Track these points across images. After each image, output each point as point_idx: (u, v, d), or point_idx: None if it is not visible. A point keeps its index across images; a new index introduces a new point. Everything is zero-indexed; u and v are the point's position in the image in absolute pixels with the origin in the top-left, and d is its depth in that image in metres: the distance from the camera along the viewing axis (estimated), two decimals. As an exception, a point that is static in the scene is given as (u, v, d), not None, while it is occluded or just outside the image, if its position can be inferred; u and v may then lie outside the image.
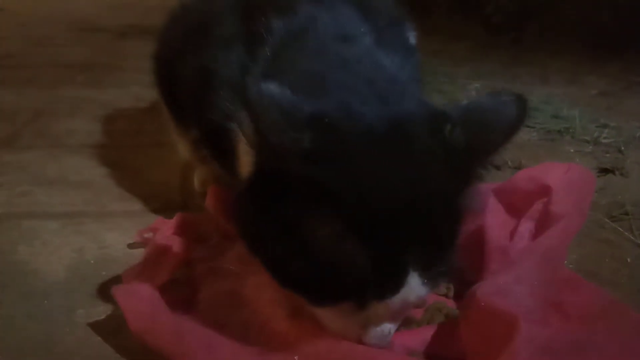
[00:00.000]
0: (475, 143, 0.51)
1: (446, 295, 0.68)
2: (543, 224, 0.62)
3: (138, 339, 0.55)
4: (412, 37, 0.86)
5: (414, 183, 0.48)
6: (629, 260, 0.77)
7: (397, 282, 0.48)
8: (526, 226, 0.64)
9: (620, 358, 0.46)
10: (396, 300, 0.49)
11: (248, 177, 0.55)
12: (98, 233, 0.82)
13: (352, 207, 0.47)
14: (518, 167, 1.02)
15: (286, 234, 0.50)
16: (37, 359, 0.58)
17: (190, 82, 0.76)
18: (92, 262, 0.75)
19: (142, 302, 0.56)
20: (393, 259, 0.48)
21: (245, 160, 0.66)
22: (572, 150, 1.09)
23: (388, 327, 0.53)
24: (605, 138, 1.14)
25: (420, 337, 0.58)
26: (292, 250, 0.50)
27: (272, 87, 0.48)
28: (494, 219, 0.65)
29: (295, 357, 0.53)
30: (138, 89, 1.63)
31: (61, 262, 0.74)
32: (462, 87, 1.59)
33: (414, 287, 0.49)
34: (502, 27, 2.70)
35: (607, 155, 1.07)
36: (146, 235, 0.79)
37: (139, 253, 0.76)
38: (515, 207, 0.67)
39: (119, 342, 0.59)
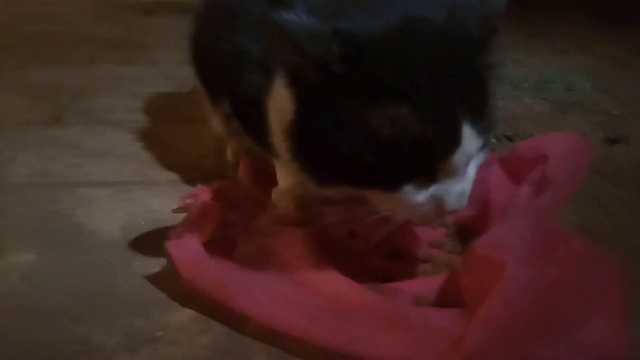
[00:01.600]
0: (480, 17, 0.61)
1: (454, 252, 0.77)
2: (539, 187, 0.70)
3: (187, 285, 0.65)
4: None
5: (444, 55, 0.58)
6: (622, 218, 0.84)
7: (456, 136, 0.57)
8: (525, 190, 0.72)
9: (595, 298, 0.54)
10: (460, 155, 0.57)
11: (293, 116, 0.63)
12: (145, 199, 0.92)
13: (396, 87, 0.56)
14: (530, 137, 1.09)
15: (352, 135, 0.58)
16: (102, 303, 0.68)
17: (225, 64, 0.84)
18: (142, 223, 0.85)
19: (190, 253, 0.66)
20: (448, 117, 0.56)
21: (276, 127, 0.75)
22: (582, 121, 1.15)
23: (461, 187, 0.60)
24: (614, 109, 1.19)
25: (428, 285, 0.67)
26: (362, 146, 0.57)
27: (290, 14, 0.56)
28: (497, 185, 0.73)
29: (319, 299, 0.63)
30: (167, 67, 1.73)
31: (116, 223, 0.85)
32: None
33: (470, 138, 0.57)
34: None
35: (615, 125, 1.12)
36: (188, 201, 0.89)
37: (183, 216, 0.86)
38: (516, 174, 0.75)
39: (171, 289, 0.69)
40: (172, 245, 0.68)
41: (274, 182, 0.90)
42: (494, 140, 1.11)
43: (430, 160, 0.58)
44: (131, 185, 0.97)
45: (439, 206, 0.60)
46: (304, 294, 0.64)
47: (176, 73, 1.64)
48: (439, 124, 0.56)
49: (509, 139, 1.11)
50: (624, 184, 0.92)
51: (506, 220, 0.64)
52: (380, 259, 0.76)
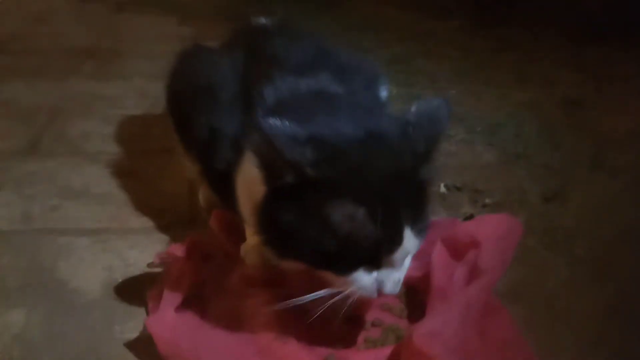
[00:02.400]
0: (427, 135, 0.73)
1: (400, 316, 0.88)
2: (473, 272, 0.82)
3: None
4: (384, 92, 1.02)
5: (395, 168, 0.70)
6: (550, 285, 0.96)
7: (399, 236, 0.69)
8: (461, 271, 0.84)
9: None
10: (401, 251, 0.70)
11: (263, 199, 0.73)
12: (122, 251, 1.00)
13: (356, 192, 0.67)
14: (476, 191, 1.20)
15: (314, 226, 0.68)
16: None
17: (201, 137, 0.92)
18: (120, 280, 0.93)
19: (167, 330, 0.75)
20: (393, 220, 0.68)
21: (244, 198, 0.84)
22: (523, 175, 1.27)
23: (398, 276, 0.73)
24: (554, 162, 1.31)
25: (376, 356, 0.78)
26: (320, 237, 0.68)
27: (275, 121, 0.66)
28: (439, 262, 0.84)
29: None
30: (141, 82, 1.77)
31: (96, 279, 0.92)
32: (441, 92, 1.74)
33: (410, 238, 0.70)
34: (490, 6, 2.82)
35: (553, 181, 1.24)
36: (163, 257, 0.96)
37: (158, 272, 0.95)
38: (455, 252, 0.87)
39: (148, 356, 0.77)
40: (151, 323, 0.76)
41: (243, 235, 0.99)
42: (445, 190, 1.22)
43: (377, 254, 0.70)
44: (108, 233, 1.04)
45: (379, 288, 0.72)
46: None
47: (149, 90, 1.69)
48: (386, 226, 0.68)
49: (458, 189, 1.22)
50: (554, 246, 1.04)
51: (442, 309, 0.75)
52: (336, 322, 0.86)
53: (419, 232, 0.71)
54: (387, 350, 0.78)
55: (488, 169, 1.29)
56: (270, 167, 0.70)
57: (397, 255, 0.70)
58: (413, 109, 0.76)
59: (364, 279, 0.71)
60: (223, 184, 0.89)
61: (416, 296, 0.90)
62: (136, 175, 1.24)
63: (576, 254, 1.02)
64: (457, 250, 0.86)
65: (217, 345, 0.76)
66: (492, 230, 0.86)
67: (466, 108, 1.62)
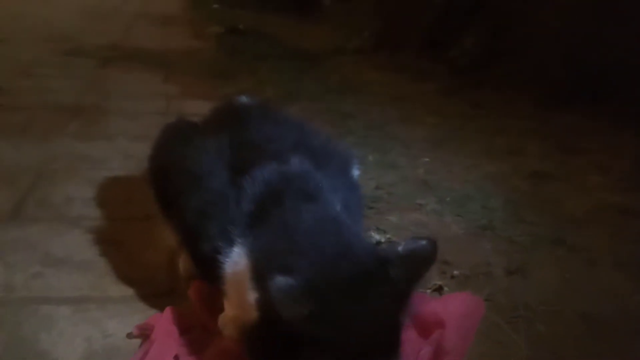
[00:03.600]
0: (409, 276, 0.77)
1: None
2: (437, 352, 0.87)
3: None
4: (356, 171, 1.10)
5: (375, 317, 0.74)
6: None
7: None
8: (426, 349, 0.89)
9: None
10: None
11: (254, 326, 0.78)
12: (101, 321, 1.02)
13: (337, 347, 0.71)
14: (445, 262, 1.27)
15: None
16: None
17: (188, 218, 0.96)
18: (99, 352, 0.95)
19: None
20: None
21: (232, 285, 0.89)
22: (489, 248, 1.34)
23: None
24: (518, 236, 1.39)
25: None
26: None
27: (282, 280, 0.70)
28: (407, 339, 0.89)
29: None
30: (125, 143, 1.82)
31: (76, 351, 0.94)
32: (414, 160, 1.83)
33: None
34: (465, 70, 2.97)
35: (516, 255, 1.32)
36: (142, 329, 1.00)
37: (136, 343, 0.98)
38: (422, 330, 0.92)
39: None
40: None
41: (222, 306, 1.02)
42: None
43: None
44: (88, 302, 1.07)
45: None
46: None
47: (132, 151, 1.74)
48: None
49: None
50: (517, 322, 1.10)
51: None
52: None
53: None
54: None
55: (456, 241, 1.36)
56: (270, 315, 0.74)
57: None
58: (399, 248, 0.80)
59: None
60: (207, 265, 0.93)
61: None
62: (117, 243, 1.27)
63: (537, 331, 1.08)
64: (423, 328, 0.91)
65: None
66: (455, 309, 0.92)
67: (438, 177, 1.71)
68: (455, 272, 1.24)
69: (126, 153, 1.75)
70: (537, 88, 2.60)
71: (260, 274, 0.77)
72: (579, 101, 2.42)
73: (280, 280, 0.70)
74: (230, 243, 0.88)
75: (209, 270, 0.94)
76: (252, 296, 0.79)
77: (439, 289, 1.18)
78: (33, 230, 1.28)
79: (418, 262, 0.77)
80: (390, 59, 3.30)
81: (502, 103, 2.57)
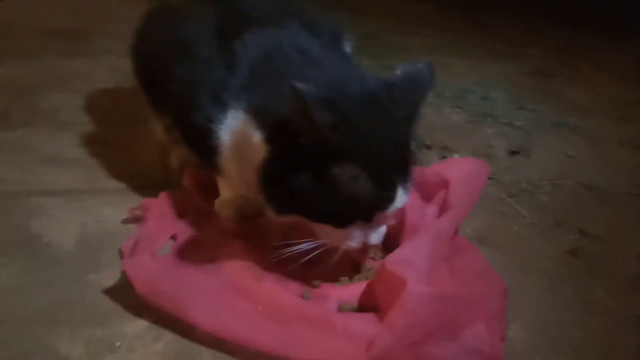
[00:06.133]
0: (411, 98, 0.76)
1: (373, 258, 0.90)
2: (442, 209, 0.84)
3: (143, 299, 0.75)
4: (348, 47, 1.04)
5: (388, 133, 0.73)
6: (515, 228, 1.00)
7: (392, 196, 0.74)
8: (431, 210, 0.87)
9: (478, 307, 0.69)
10: (392, 209, 0.75)
11: (266, 159, 0.76)
12: (95, 209, 1.00)
13: (361, 156, 0.71)
14: (444, 148, 1.24)
15: (319, 185, 0.72)
16: (65, 315, 0.76)
17: (176, 90, 0.92)
18: (94, 234, 0.93)
19: (143, 271, 0.76)
20: (389, 182, 0.73)
21: (231, 155, 0.86)
22: (490, 133, 1.31)
23: (383, 228, 0.78)
24: (519, 121, 1.35)
25: (350, 292, 0.80)
26: (325, 195, 0.72)
27: (305, 85, 0.67)
28: (411, 204, 0.87)
29: (259, 307, 0.75)
30: (111, 59, 1.75)
31: (69, 234, 0.92)
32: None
33: (400, 197, 0.75)
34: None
35: (518, 137, 1.29)
36: (136, 212, 0.97)
37: (131, 227, 0.95)
38: (426, 194, 0.89)
39: (126, 301, 0.78)
40: (127, 264, 0.77)
41: (216, 191, 1.00)
42: (414, 147, 1.25)
43: (372, 210, 0.75)
44: (82, 193, 1.04)
45: (365, 239, 0.77)
46: (246, 303, 0.75)
47: (119, 66, 1.66)
48: (383, 187, 0.73)
49: (428, 147, 1.25)
50: (519, 195, 1.08)
51: (413, 239, 0.78)
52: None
53: (407, 189, 0.76)
54: (361, 285, 0.81)
55: (456, 129, 1.33)
56: (284, 128, 0.72)
57: (389, 211, 0.75)
58: (398, 71, 0.78)
59: (355, 233, 0.77)
60: (201, 139, 0.90)
61: (391, 240, 0.92)
62: (108, 143, 1.23)
63: (540, 200, 1.06)
64: (427, 192, 0.89)
65: (195, 286, 0.77)
66: (459, 170, 0.89)
67: (436, 76, 1.64)
68: (456, 156, 1.21)
69: (113, 68, 1.68)
70: (538, 6, 2.51)
71: (266, 111, 0.76)
72: (580, 16, 2.35)
73: (304, 86, 0.67)
74: (224, 109, 0.84)
75: (203, 146, 0.91)
76: (257, 138, 0.77)
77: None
78: (23, 133, 1.24)
79: (418, 84, 0.77)
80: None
81: (502, 20, 2.49)
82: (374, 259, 0.90)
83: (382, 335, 0.65)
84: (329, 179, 0.71)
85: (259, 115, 0.78)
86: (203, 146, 0.91)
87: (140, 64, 1.11)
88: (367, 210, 0.74)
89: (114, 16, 2.27)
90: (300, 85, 0.67)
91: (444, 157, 1.21)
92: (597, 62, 1.91)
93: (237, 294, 0.77)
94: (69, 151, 1.18)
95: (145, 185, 1.08)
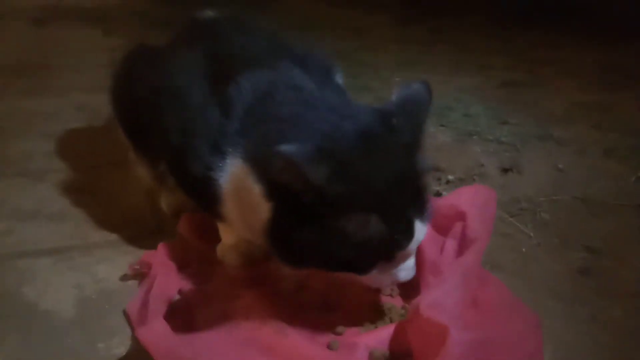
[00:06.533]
0: (412, 123, 0.73)
1: (391, 295, 0.88)
2: (462, 243, 0.83)
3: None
4: (339, 78, 1.02)
5: (393, 167, 0.70)
6: (524, 250, 0.99)
7: (410, 231, 0.71)
8: (450, 243, 0.85)
9: (518, 347, 0.67)
10: (413, 243, 0.72)
11: (272, 216, 0.72)
12: (89, 267, 0.94)
13: (366, 200, 0.68)
14: (438, 169, 1.23)
15: (329, 238, 0.69)
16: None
17: (169, 139, 0.87)
18: (93, 297, 0.87)
19: (162, 339, 0.71)
20: (403, 217, 0.70)
21: (232, 204, 0.82)
22: (479, 151, 1.31)
23: (412, 262, 0.76)
24: (505, 136, 1.36)
25: (378, 337, 0.77)
26: (337, 247, 0.69)
27: (290, 147, 0.64)
28: (426, 238, 0.85)
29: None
30: (76, 96, 1.69)
31: (67, 299, 0.86)
32: (386, 81, 1.77)
33: (420, 229, 0.72)
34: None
35: (507, 154, 1.29)
36: (136, 267, 0.92)
37: (132, 284, 0.90)
38: (441, 227, 0.88)
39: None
40: (143, 333, 0.71)
41: (217, 236, 0.95)
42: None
43: (391, 250, 0.72)
44: (71, 250, 0.98)
45: (394, 278, 0.76)
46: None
47: (86, 103, 1.61)
48: (398, 224, 0.70)
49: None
50: (520, 214, 1.08)
51: (442, 281, 0.76)
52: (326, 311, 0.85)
53: (426, 219, 0.73)
54: (389, 329, 0.78)
55: (445, 148, 1.32)
56: (285, 189, 0.68)
57: (411, 247, 0.72)
58: (394, 97, 0.75)
59: (381, 276, 0.75)
60: (200, 187, 0.85)
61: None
62: (90, 192, 1.17)
63: (542, 219, 1.07)
64: (441, 224, 0.87)
65: (218, 349, 0.73)
66: (472, 200, 0.88)
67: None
68: (450, 177, 1.21)
69: (79, 106, 1.62)
70: (494, 9, 2.56)
71: (263, 159, 0.70)
72: (540, 18, 2.41)
73: (288, 147, 0.64)
74: (222, 156, 0.80)
75: (202, 194, 0.87)
76: (257, 191, 0.73)
77: (437, 195, 1.14)
78: (-5, 187, 1.16)
79: (416, 106, 0.74)
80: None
81: (462, 27, 2.52)
82: (391, 295, 0.88)
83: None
84: (338, 231, 0.68)
85: (256, 166, 0.74)
86: (202, 194, 0.87)
87: (122, 109, 1.06)
88: (385, 252, 0.72)
89: (71, 49, 2.20)
90: (285, 149, 0.63)
91: (439, 179, 1.20)
92: (562, 67, 1.95)
93: (260, 353, 0.73)
94: (49, 204, 1.12)
95: (137, 235, 1.03)
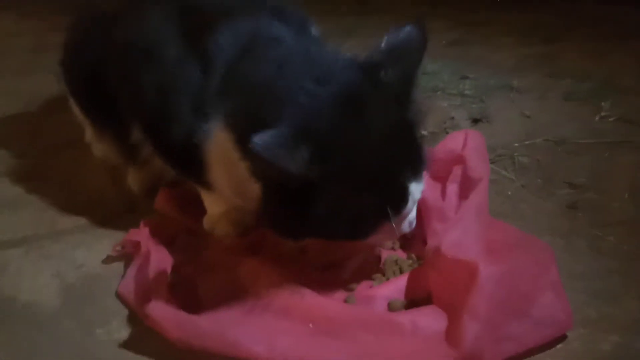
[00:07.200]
0: (404, 72, 0.68)
1: (392, 248, 0.86)
2: (465, 185, 0.82)
3: (179, 345, 0.63)
4: (314, 31, 0.98)
5: (382, 130, 0.66)
6: (509, 193, 1.00)
7: (404, 197, 0.68)
8: (451, 188, 0.83)
9: (539, 276, 0.67)
10: (410, 204, 0.69)
11: (264, 195, 0.68)
12: (64, 253, 0.85)
13: (355, 176, 0.64)
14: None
15: (322, 213, 0.65)
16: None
17: (142, 100, 0.80)
18: (77, 284, 0.79)
19: (176, 314, 0.65)
20: (398, 184, 0.67)
21: (220, 171, 0.76)
22: (446, 105, 1.31)
23: (411, 217, 0.72)
24: (468, 90, 1.37)
25: (395, 287, 0.74)
26: (333, 220, 0.66)
27: (264, 136, 0.59)
28: (426, 186, 0.83)
29: (310, 325, 0.67)
30: (8, 82, 1.55)
31: (48, 289, 0.77)
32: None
33: (415, 190, 0.69)
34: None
35: (474, 105, 1.30)
36: (119, 249, 0.84)
37: (116, 266, 0.82)
38: (437, 173, 0.86)
39: (146, 349, 0.67)
40: (153, 310, 0.65)
41: (200, 208, 0.89)
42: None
43: (388, 217, 0.68)
44: (40, 240, 0.88)
45: (397, 232, 0.72)
46: (293, 324, 0.67)
47: (20, 88, 1.49)
48: (393, 192, 0.68)
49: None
50: (499, 160, 1.09)
51: (457, 221, 0.74)
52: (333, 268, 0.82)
53: (421, 177, 0.71)
54: (402, 279, 0.75)
55: (414, 105, 1.31)
56: (270, 178, 0.65)
57: (407, 209, 0.70)
58: (382, 44, 0.70)
59: (381, 236, 0.73)
60: (183, 154, 0.78)
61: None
62: (45, 177, 1.07)
63: (521, 163, 1.08)
64: (439, 170, 0.86)
65: (233, 318, 0.68)
66: (468, 144, 0.87)
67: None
68: (424, 132, 1.20)
69: (10, 91, 1.48)
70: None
71: (244, 139, 0.63)
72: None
73: (262, 138, 0.59)
74: (206, 118, 0.73)
75: (185, 161, 0.80)
76: (244, 165, 0.68)
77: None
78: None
79: (407, 53, 0.69)
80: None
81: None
82: (393, 248, 0.86)
83: (468, 325, 0.61)
84: (329, 208, 0.65)
85: (238, 145, 0.69)
86: (186, 162, 0.80)
87: (78, 81, 0.96)
88: (384, 217, 0.68)
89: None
90: (259, 142, 0.58)
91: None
92: (498, 28, 1.99)
93: (277, 317, 0.69)
94: (4, 196, 1.00)
95: (108, 217, 0.95)
